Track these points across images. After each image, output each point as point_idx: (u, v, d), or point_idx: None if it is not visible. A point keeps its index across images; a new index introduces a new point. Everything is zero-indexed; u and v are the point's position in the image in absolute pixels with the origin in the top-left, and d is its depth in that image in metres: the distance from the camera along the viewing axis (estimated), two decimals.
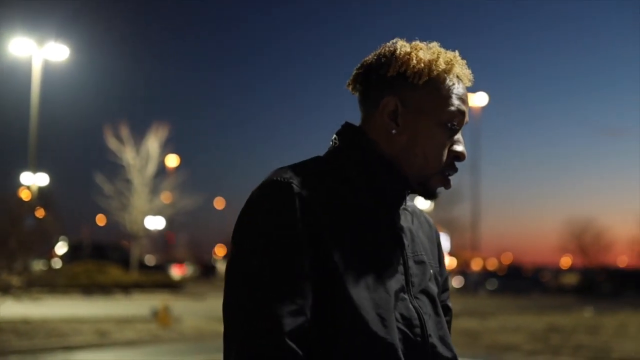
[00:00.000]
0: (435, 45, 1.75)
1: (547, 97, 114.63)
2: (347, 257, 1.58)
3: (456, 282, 48.19)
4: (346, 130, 1.77)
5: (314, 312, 1.54)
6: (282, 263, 1.53)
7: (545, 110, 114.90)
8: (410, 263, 1.73)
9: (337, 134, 1.78)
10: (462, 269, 54.02)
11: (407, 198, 1.81)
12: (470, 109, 1.77)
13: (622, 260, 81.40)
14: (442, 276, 1.92)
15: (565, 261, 76.45)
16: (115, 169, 35.47)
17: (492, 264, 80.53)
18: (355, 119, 1.78)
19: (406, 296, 1.67)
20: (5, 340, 13.19)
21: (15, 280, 16.06)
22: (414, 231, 1.82)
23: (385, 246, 1.68)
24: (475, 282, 49.43)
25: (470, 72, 1.77)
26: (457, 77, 1.73)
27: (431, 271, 1.81)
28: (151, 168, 35.70)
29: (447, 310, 1.93)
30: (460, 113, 1.71)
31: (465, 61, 1.77)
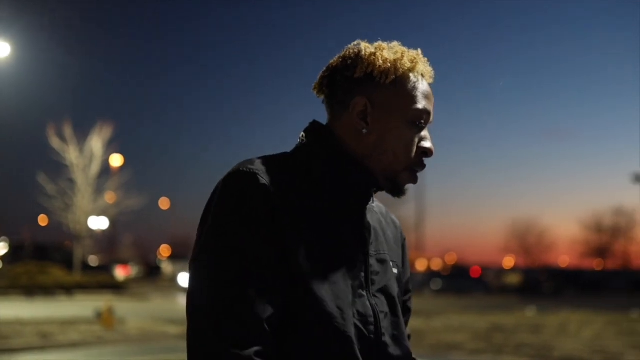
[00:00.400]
0: (396, 44, 1.80)
1: (492, 97, 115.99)
2: (310, 250, 1.61)
3: None
4: (314, 128, 1.80)
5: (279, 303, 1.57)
6: (249, 254, 1.55)
7: (490, 111, 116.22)
8: (372, 261, 1.75)
9: (304, 132, 1.81)
10: None
11: (374, 197, 1.86)
12: (433, 107, 1.81)
13: (564, 260, 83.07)
14: (405, 277, 1.95)
15: (508, 261, 77.63)
16: (58, 169, 34.95)
17: (436, 264, 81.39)
18: (313, 119, 1.83)
19: (364, 293, 1.69)
20: None
21: None
22: (379, 230, 1.86)
23: (348, 242, 1.70)
24: (419, 282, 49.87)
25: (432, 69, 1.81)
26: (421, 74, 1.78)
27: (394, 271, 1.84)
28: (95, 168, 35.23)
29: (407, 311, 1.97)
30: (427, 110, 1.75)
31: (426, 59, 1.81)
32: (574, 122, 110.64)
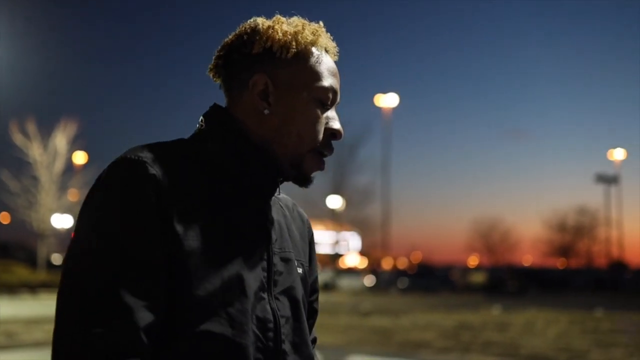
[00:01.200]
0: (296, 19, 1.65)
1: (456, 98, 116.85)
2: (201, 248, 1.43)
3: (367, 280, 48.66)
4: (213, 112, 1.63)
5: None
6: (128, 255, 1.36)
7: (454, 112, 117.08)
8: (276, 260, 1.59)
9: (204, 116, 1.63)
10: (373, 268, 54.65)
11: (279, 188, 1.70)
12: (339, 85, 1.66)
13: (527, 259, 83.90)
14: (312, 276, 1.79)
15: (473, 260, 78.21)
16: (21, 166, 34.61)
17: (402, 263, 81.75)
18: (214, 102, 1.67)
19: (265, 295, 1.53)
20: None
21: None
22: (284, 225, 1.69)
23: (248, 239, 1.53)
24: (386, 281, 50.08)
25: (335, 45, 1.67)
26: (325, 49, 1.64)
27: (300, 270, 1.68)
28: (59, 165, 35.02)
29: (313, 313, 1.82)
30: (333, 88, 1.61)
31: (329, 34, 1.67)
32: (537, 122, 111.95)
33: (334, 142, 1.63)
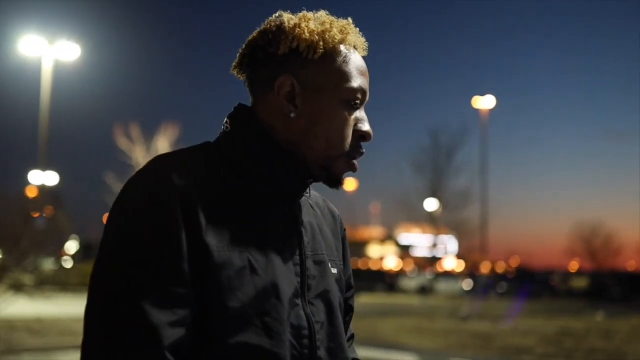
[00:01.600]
0: (323, 14, 1.58)
1: (556, 99, 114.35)
2: (232, 258, 1.39)
3: (465, 284, 48.08)
4: (238, 113, 1.57)
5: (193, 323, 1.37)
6: (158, 267, 1.33)
7: (553, 113, 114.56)
8: (309, 264, 1.55)
9: (228, 117, 1.58)
10: (471, 272, 53.94)
11: (310, 188, 1.65)
12: (369, 84, 1.59)
13: (631, 265, 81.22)
14: (347, 274, 1.75)
15: (574, 265, 76.30)
16: (125, 169, 35.48)
17: (500, 267, 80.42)
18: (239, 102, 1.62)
19: (299, 302, 1.49)
20: (19, 338, 13.23)
21: (27, 279, 16.07)
22: (316, 226, 1.64)
23: (280, 245, 1.49)
24: (484, 285, 49.27)
25: (365, 40, 1.61)
26: (354, 47, 1.57)
27: (334, 270, 1.64)
28: None
29: (349, 311, 1.78)
30: (362, 88, 1.55)
31: (358, 29, 1.61)
32: None
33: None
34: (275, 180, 1.52)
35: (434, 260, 49.23)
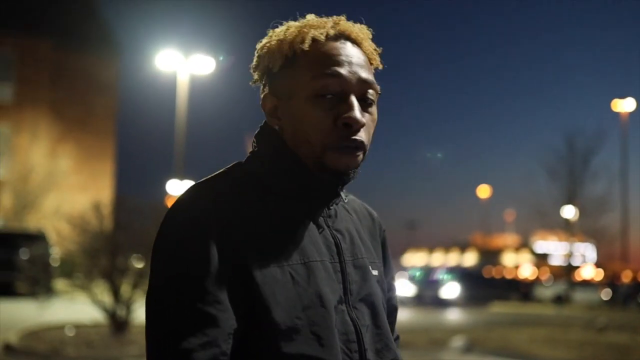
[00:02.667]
0: (289, 23, 1.61)
1: None
2: (275, 273, 1.45)
3: (604, 294, 46.48)
4: (262, 132, 1.63)
5: (240, 343, 1.42)
6: (191, 293, 1.39)
7: None
8: (349, 269, 1.58)
9: (255, 137, 1.64)
10: (611, 281, 52.03)
11: (345, 194, 1.67)
12: (356, 66, 1.54)
13: None
14: (388, 275, 1.78)
15: None
16: None
17: None
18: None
19: (344, 307, 1.53)
20: None
21: None
22: (354, 230, 1.67)
23: (319, 253, 1.53)
24: (624, 295, 47.49)
25: (359, 24, 1.60)
26: (316, 39, 1.54)
27: (375, 272, 1.66)
28: None
29: (393, 311, 1.81)
30: (331, 75, 1.51)
31: (331, 19, 1.59)
32: None
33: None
34: (304, 193, 1.56)
35: (571, 269, 47.79)
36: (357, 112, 1.51)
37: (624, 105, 45.70)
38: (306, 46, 1.54)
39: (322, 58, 1.53)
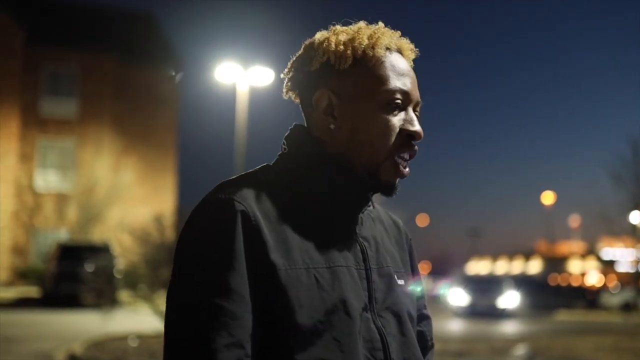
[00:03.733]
0: (362, 24, 1.61)
1: None
2: (300, 275, 1.44)
3: None
4: (293, 134, 1.62)
5: (260, 345, 1.41)
6: (217, 291, 1.38)
7: None
8: (375, 277, 1.56)
9: (285, 139, 1.63)
10: None
11: (373, 202, 1.65)
12: (415, 83, 1.59)
13: None
14: (416, 284, 1.74)
15: None
16: None
17: None
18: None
19: (369, 315, 1.51)
20: None
21: None
22: (379, 239, 1.65)
23: (344, 259, 1.52)
24: None
25: (408, 41, 1.61)
26: (388, 49, 1.57)
27: (401, 282, 1.63)
28: None
29: (423, 319, 1.78)
30: (400, 89, 1.55)
31: (396, 31, 1.61)
32: None
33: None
34: (335, 196, 1.55)
35: (638, 276, 46.68)
36: (419, 125, 1.57)
37: None
38: (381, 52, 1.56)
39: (391, 69, 1.56)
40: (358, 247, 1.57)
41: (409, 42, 1.63)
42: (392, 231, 1.75)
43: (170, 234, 14.16)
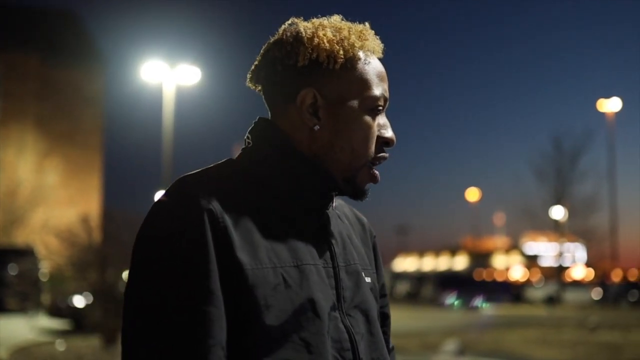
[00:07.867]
0: (337, 19, 1.56)
1: None
2: (267, 275, 1.38)
3: (595, 294, 46.64)
4: (259, 127, 1.55)
5: (227, 347, 1.35)
6: (194, 292, 1.32)
7: None
8: (342, 274, 1.52)
9: (249, 132, 1.56)
10: (601, 281, 52.22)
11: (335, 199, 1.59)
12: (388, 87, 1.56)
13: None
14: (379, 282, 1.70)
15: None
16: None
17: (633, 275, 77.55)
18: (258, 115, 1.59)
19: (337, 314, 1.46)
20: None
21: None
22: (346, 236, 1.61)
23: (312, 258, 1.47)
24: (615, 294, 47.62)
25: (381, 42, 1.57)
26: (372, 51, 1.54)
27: (368, 279, 1.59)
28: None
29: (385, 318, 1.72)
30: (384, 94, 1.53)
31: (373, 31, 1.57)
32: None
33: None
34: (302, 194, 1.50)
35: (561, 269, 47.90)
36: (392, 131, 1.56)
37: (609, 105, 45.93)
38: (368, 55, 1.53)
39: (376, 74, 1.53)
40: (325, 244, 1.53)
41: (380, 42, 1.58)
42: (357, 228, 1.71)
43: (97, 235, 13.95)
